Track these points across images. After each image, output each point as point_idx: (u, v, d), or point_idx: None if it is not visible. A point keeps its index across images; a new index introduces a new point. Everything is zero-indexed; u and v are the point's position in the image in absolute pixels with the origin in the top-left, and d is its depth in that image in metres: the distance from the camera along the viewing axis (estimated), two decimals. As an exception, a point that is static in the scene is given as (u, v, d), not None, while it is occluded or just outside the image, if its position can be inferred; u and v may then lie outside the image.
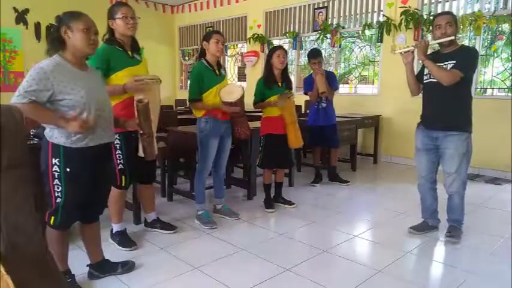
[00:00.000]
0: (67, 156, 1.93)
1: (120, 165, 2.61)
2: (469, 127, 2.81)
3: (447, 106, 2.77)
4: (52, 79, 1.84)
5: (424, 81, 2.90)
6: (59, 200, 1.97)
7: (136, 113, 2.28)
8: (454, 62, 2.70)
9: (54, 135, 1.93)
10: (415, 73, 3.00)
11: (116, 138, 2.54)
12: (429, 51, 2.94)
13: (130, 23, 2.53)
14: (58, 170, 1.94)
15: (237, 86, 3.14)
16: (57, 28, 1.94)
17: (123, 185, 2.66)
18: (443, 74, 2.69)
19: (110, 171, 2.31)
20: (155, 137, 2.56)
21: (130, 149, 2.61)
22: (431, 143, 2.89)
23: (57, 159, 1.93)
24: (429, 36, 5.48)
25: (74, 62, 1.96)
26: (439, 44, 2.82)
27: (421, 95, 3.01)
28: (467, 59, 2.72)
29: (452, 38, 2.73)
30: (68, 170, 1.94)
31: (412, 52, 2.87)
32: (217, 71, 3.09)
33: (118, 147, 2.57)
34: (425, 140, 2.92)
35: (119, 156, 2.59)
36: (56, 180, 1.95)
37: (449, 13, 2.87)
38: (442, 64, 2.74)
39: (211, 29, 8.34)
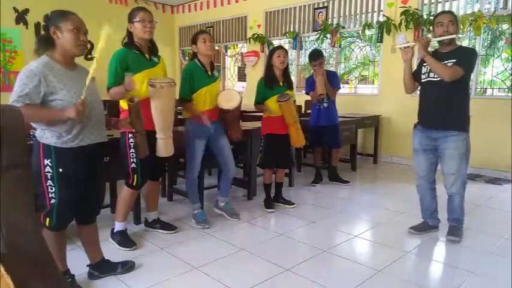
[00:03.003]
0: (59, 156, 1.92)
1: (133, 164, 2.63)
2: (466, 126, 2.81)
3: (446, 105, 2.77)
4: (42, 80, 1.83)
5: (422, 80, 2.89)
6: (53, 201, 1.95)
7: (127, 112, 2.29)
8: (454, 60, 2.70)
9: (44, 135, 1.91)
10: (412, 71, 2.99)
11: (130, 136, 2.58)
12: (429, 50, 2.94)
13: (148, 26, 2.59)
14: (51, 171, 1.92)
15: (236, 92, 3.08)
16: (46, 28, 1.92)
17: (134, 184, 2.67)
18: (444, 69, 2.68)
19: (104, 171, 2.27)
20: (171, 138, 2.63)
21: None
22: (430, 143, 2.88)
23: (49, 160, 1.91)
24: (429, 36, 5.48)
25: (63, 62, 1.95)
26: (438, 42, 2.81)
27: (415, 93, 3.01)
28: (466, 58, 2.72)
29: (454, 36, 2.73)
30: (60, 170, 1.93)
31: (412, 48, 2.87)
32: (209, 72, 3.06)
33: (132, 146, 2.59)
34: (423, 141, 2.91)
35: (132, 155, 2.61)
36: (49, 181, 1.93)
37: (451, 12, 2.89)
38: (442, 63, 2.74)
39: (211, 29, 8.34)
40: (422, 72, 2.89)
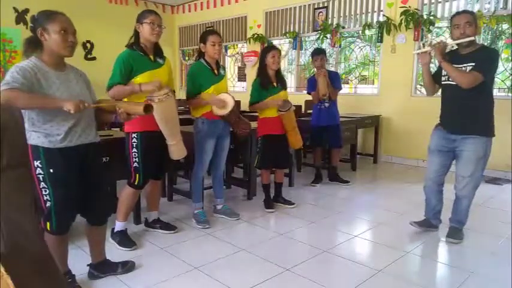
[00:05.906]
0: (48, 157, 1.88)
1: (135, 163, 2.65)
2: (488, 131, 2.72)
3: (466, 109, 2.68)
4: (33, 75, 1.81)
5: (442, 82, 2.81)
6: (48, 203, 1.92)
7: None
8: (473, 64, 2.60)
9: (31, 136, 1.87)
10: (432, 73, 2.90)
11: (134, 137, 2.61)
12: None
13: (156, 30, 2.63)
14: (42, 173, 1.89)
15: (228, 96, 3.03)
16: (33, 29, 1.89)
17: (136, 183, 2.68)
18: (462, 77, 2.58)
19: (102, 171, 2.22)
20: (181, 141, 2.70)
21: (147, 148, 2.65)
22: (448, 145, 2.81)
23: (39, 161, 1.88)
24: (429, 36, 5.48)
25: (51, 63, 1.92)
26: (457, 44, 2.71)
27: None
28: (487, 61, 2.61)
29: (472, 38, 2.61)
30: (51, 170, 1.89)
31: (429, 53, 2.77)
32: (215, 71, 3.09)
33: (134, 146, 2.63)
34: (441, 142, 2.83)
35: (135, 155, 2.64)
36: (42, 183, 1.90)
37: (468, 12, 2.71)
38: (460, 66, 2.65)
39: (211, 29, 8.33)
40: (443, 74, 2.79)
